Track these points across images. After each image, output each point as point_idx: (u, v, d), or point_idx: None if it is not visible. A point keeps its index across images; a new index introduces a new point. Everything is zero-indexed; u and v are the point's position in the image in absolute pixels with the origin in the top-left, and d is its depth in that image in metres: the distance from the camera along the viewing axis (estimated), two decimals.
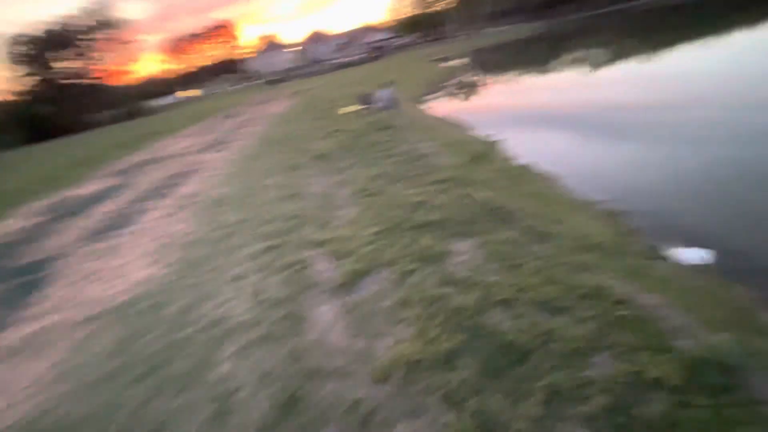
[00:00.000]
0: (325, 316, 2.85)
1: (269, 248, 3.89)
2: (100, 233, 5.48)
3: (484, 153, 8.14)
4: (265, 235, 4.20)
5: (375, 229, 3.96)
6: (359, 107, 11.71)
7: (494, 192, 4.76)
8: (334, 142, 8.17)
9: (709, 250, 4.90)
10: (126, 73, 59.81)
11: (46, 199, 8.78)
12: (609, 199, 6.64)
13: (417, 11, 72.66)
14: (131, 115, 47.95)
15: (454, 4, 72.51)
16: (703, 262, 4.68)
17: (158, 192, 7.15)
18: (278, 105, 19.45)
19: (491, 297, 2.67)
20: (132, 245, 4.74)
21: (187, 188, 6.93)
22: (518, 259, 3.13)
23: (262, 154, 8.43)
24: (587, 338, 2.21)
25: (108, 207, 6.85)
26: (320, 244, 3.87)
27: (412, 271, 3.14)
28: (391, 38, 70.00)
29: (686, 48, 19.28)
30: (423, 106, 17.27)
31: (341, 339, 2.60)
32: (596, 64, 21.41)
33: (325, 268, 3.45)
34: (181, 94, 62.83)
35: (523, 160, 9.08)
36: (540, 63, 25.05)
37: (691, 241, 5.15)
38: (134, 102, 54.03)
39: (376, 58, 51.08)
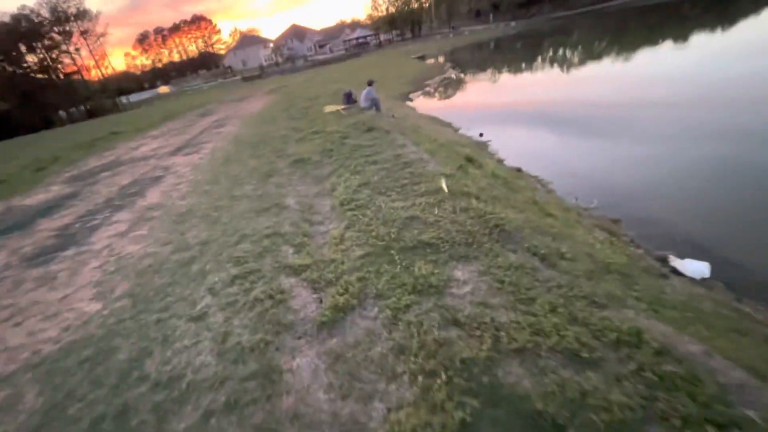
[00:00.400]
0: (305, 369, 2.34)
1: (238, 276, 3.33)
2: (40, 256, 4.75)
3: (474, 156, 7.76)
4: (235, 260, 3.62)
5: (361, 251, 3.46)
6: (340, 107, 11.13)
7: (490, 204, 4.33)
8: (313, 145, 7.60)
9: (707, 264, 4.67)
10: (94, 67, 56.98)
11: None
12: (599, 205, 6.42)
13: (394, 9, 72.26)
14: (98, 113, 45.58)
15: (432, 3, 72.49)
16: (704, 276, 4.45)
17: (115, 203, 6.41)
18: (254, 103, 18.58)
19: (505, 344, 2.22)
20: (75, 272, 4.06)
21: (148, 199, 6.22)
22: (529, 290, 2.69)
23: (235, 158, 7.76)
24: (633, 405, 1.78)
25: (55, 221, 6.06)
26: (298, 270, 3.34)
27: (407, 307, 2.66)
28: (370, 36, 69.25)
29: (659, 48, 19.72)
30: (406, 105, 16.82)
31: (324, 403, 2.10)
32: (572, 63, 21.67)
33: (303, 303, 2.92)
34: (160, 90, 60.27)
35: (511, 162, 8.82)
36: (517, 61, 25.15)
37: (682, 246, 4.97)
38: (102, 98, 51.45)
39: (355, 55, 50.33)
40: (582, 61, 21.61)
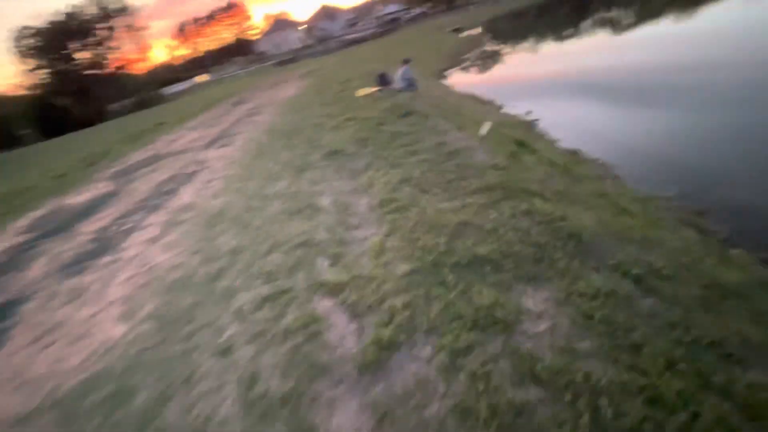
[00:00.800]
0: (344, 428, 1.91)
1: (268, 298, 2.95)
2: (75, 264, 4.66)
3: (524, 140, 6.95)
4: (265, 275, 3.25)
5: (406, 266, 2.95)
6: (375, 89, 10.50)
7: (554, 202, 3.66)
8: (348, 134, 7.10)
9: None
10: (139, 60, 59.34)
11: (42, 208, 8.11)
12: (674, 193, 5.50)
13: None
14: (144, 104, 47.60)
15: None
16: None
17: (151, 203, 6.29)
18: (287, 89, 18.30)
19: (609, 419, 1.65)
20: (106, 284, 3.88)
21: (182, 198, 6.03)
22: (630, 331, 2.08)
23: (268, 151, 7.44)
24: None
25: (94, 224, 6.04)
26: (334, 289, 2.90)
27: (468, 349, 2.14)
28: (403, 10, 66.71)
29: (712, 6, 17.26)
30: (444, 83, 15.85)
31: None
32: (619, 27, 19.48)
33: (341, 335, 2.48)
34: (200, 79, 61.93)
35: (566, 143, 7.89)
36: (561, 28, 23.08)
37: None
38: (147, 90, 53.61)
39: (388, 32, 48.72)
40: (635, 23, 19.38)
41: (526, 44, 22.08)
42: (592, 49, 17.15)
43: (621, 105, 9.70)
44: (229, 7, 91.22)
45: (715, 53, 11.10)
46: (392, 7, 70.91)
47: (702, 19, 16.16)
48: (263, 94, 18.96)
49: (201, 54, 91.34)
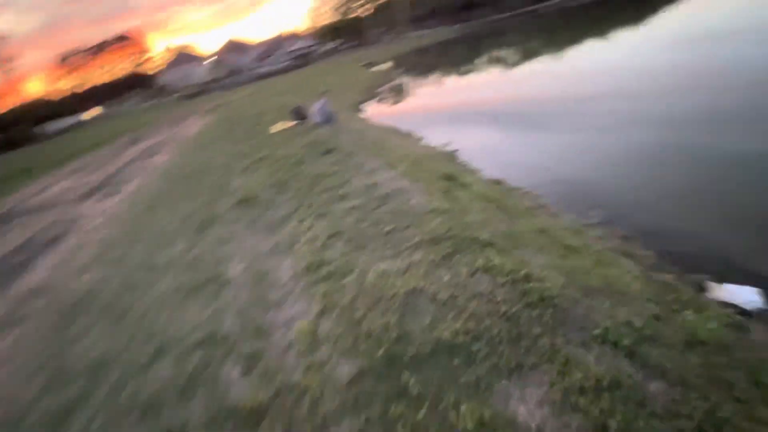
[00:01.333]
0: None
1: None
2: None
3: (452, 174, 6.73)
4: (142, 408, 2.21)
5: (350, 367, 2.19)
6: (291, 123, 9.75)
7: (507, 252, 3.22)
8: (263, 176, 6.19)
9: (754, 291, 3.89)
10: (7, 94, 50.71)
11: None
12: (594, 218, 5.58)
13: (336, 18, 71.48)
14: (13, 145, 40.33)
15: (373, 11, 72.44)
16: (754, 308, 3.63)
17: None
18: (193, 124, 16.61)
19: None
20: None
21: (34, 276, 4.51)
22: None
23: (163, 201, 6.16)
24: None
25: None
26: (249, 420, 2.00)
27: None
28: (314, 45, 67.80)
29: (590, 44, 20.51)
30: (362, 116, 15.68)
31: None
32: (513, 62, 21.84)
33: None
34: (87, 116, 54.49)
35: (486, 172, 7.92)
36: (460, 64, 25.11)
37: (704, 261, 4.29)
38: (20, 127, 45.67)
39: (300, 66, 48.73)
40: (524, 58, 21.84)
41: (433, 78, 23.36)
42: (491, 81, 18.73)
43: (526, 132, 10.27)
44: (123, 38, 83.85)
45: (599, 85, 12.54)
46: (303, 42, 71.74)
47: (576, 55, 18.68)
48: (163, 131, 16.96)
49: (91, 87, 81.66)
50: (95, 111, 57.29)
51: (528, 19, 49.88)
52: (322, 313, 2.72)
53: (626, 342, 2.16)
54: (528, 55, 22.58)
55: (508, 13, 59.27)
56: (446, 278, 2.79)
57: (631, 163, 7.21)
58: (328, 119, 9.51)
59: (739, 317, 3.18)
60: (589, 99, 11.48)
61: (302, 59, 57.24)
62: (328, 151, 6.87)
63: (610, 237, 5.21)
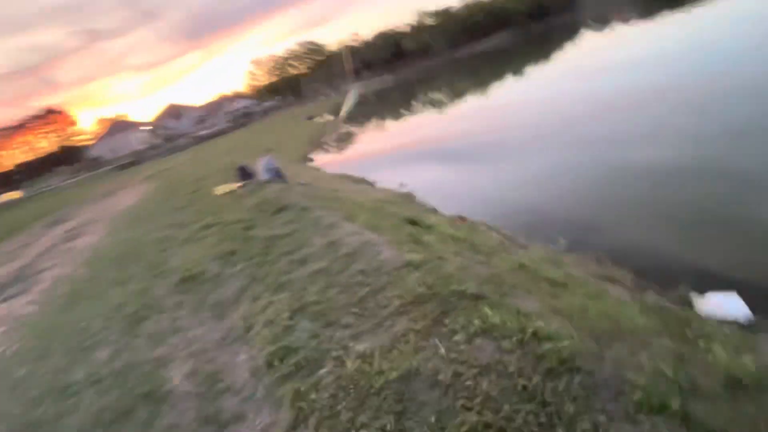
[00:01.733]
0: None
1: None
2: None
3: (415, 217, 6.44)
4: None
5: None
6: (237, 185, 9.13)
7: (501, 305, 2.82)
8: (208, 247, 5.48)
9: (734, 295, 3.83)
10: None
11: None
12: (568, 245, 5.50)
13: (275, 77, 73.34)
14: None
15: (311, 68, 75.37)
16: (746, 319, 3.53)
17: None
18: (126, 196, 15.32)
19: None
20: None
21: None
22: None
23: (86, 294, 5.19)
24: None
25: None
26: None
27: None
28: (254, 104, 68.35)
29: (510, 80, 22.64)
30: (312, 167, 15.38)
31: None
32: (447, 102, 23.31)
33: None
34: (5, 198, 49.04)
35: (446, 210, 7.77)
36: (398, 109, 26.39)
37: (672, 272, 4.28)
38: None
39: (242, 125, 48.52)
40: (457, 97, 23.39)
41: (376, 123, 24.03)
42: (431, 121, 19.65)
43: (470, 165, 10.47)
44: (47, 113, 79.11)
45: (525, 115, 13.38)
46: (243, 102, 72.08)
47: (501, 91, 20.27)
48: (92, 207, 15.45)
49: (9, 168, 74.86)
50: (13, 194, 52.04)
51: (454, 63, 54.48)
52: (295, 424, 2.10)
53: (675, 406, 1.77)
54: (459, 94, 24.24)
55: (436, 59, 64.28)
56: (442, 351, 2.31)
57: (573, 183, 7.40)
58: (277, 175, 9.04)
59: (752, 336, 2.99)
60: (518, 128, 12.16)
61: (243, 119, 57.17)
62: (281, 210, 6.33)
63: (584, 262, 5.06)
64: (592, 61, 20.10)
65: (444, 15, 72.16)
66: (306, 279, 3.67)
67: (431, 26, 71.50)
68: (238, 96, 75.67)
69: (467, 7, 71.73)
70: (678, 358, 2.33)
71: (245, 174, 9.50)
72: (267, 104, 68.82)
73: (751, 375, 2.15)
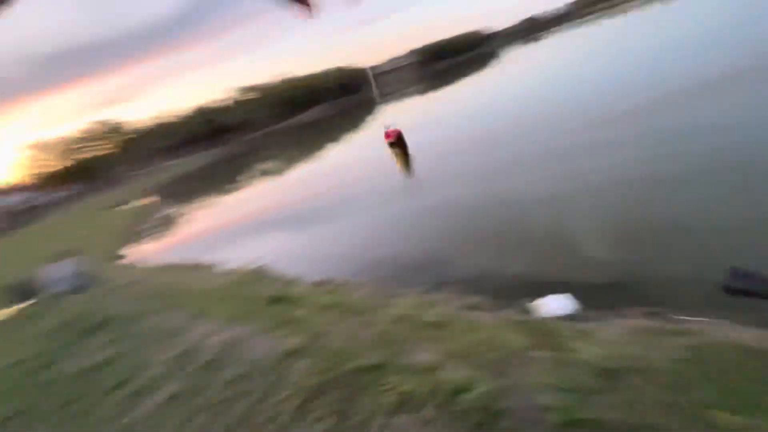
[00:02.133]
0: None
1: None
2: None
3: (277, 294, 5.86)
4: None
5: None
6: (19, 306, 6.62)
7: (398, 367, 2.66)
8: None
9: (567, 296, 4.68)
10: None
11: None
12: (428, 285, 5.83)
13: (68, 161, 60.30)
14: None
15: (117, 148, 65.18)
16: (569, 311, 4.35)
17: None
18: None
19: None
20: None
21: None
22: None
23: None
24: None
25: None
26: None
27: None
28: (38, 196, 53.95)
29: (331, 147, 25.14)
30: (131, 262, 12.62)
31: None
32: (277, 171, 23.81)
33: None
34: None
35: (306, 277, 7.41)
36: (231, 181, 25.42)
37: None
38: None
39: (21, 225, 37.25)
40: (286, 165, 24.15)
41: (200, 201, 22.01)
42: (263, 191, 19.43)
43: (313, 227, 10.54)
44: None
45: (353, 175, 14.56)
46: (16, 197, 55.76)
47: (327, 156, 21.89)
48: None
49: None
50: None
51: (277, 134, 56.18)
52: None
53: (584, 414, 1.87)
54: (288, 162, 24.90)
55: (260, 131, 64.98)
56: None
57: (414, 228, 8.16)
58: (82, 283, 6.99)
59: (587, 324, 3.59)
60: (352, 185, 13.10)
61: (25, 216, 44.04)
62: (96, 328, 4.78)
63: (448, 298, 5.42)
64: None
65: (262, 89, 74.76)
66: (153, 416, 2.70)
67: (251, 100, 72.79)
68: (10, 189, 58.22)
69: (283, 81, 76.27)
70: (560, 365, 2.56)
71: (28, 291, 7.04)
72: (59, 195, 55.16)
73: (614, 360, 2.52)
